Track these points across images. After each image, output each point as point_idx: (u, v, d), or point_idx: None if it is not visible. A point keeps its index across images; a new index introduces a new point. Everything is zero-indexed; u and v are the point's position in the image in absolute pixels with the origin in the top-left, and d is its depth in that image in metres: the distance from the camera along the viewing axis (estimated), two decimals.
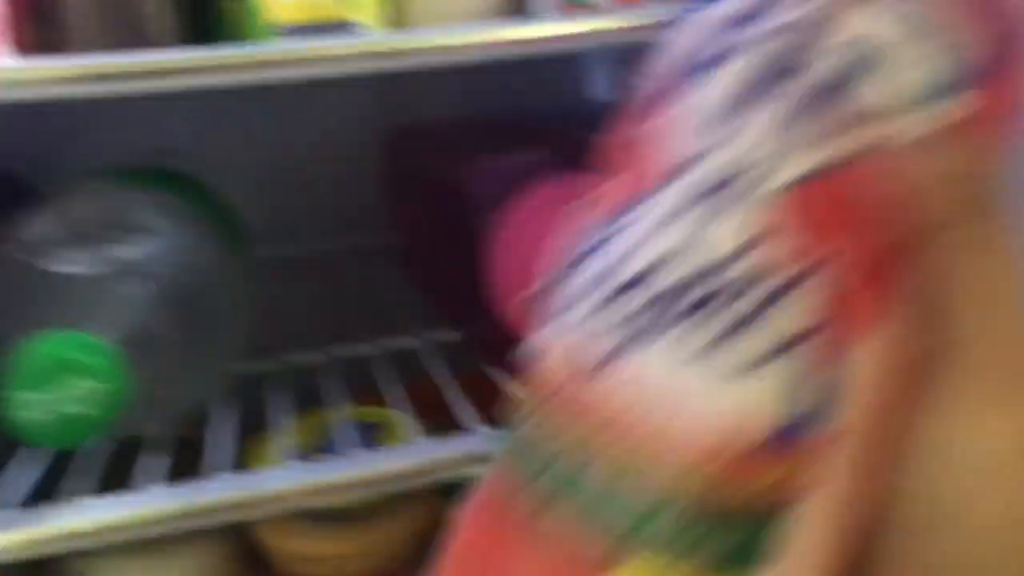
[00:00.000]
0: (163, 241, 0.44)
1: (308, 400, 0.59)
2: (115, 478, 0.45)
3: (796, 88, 0.21)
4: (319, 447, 0.54)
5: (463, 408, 0.49)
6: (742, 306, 0.20)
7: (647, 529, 0.18)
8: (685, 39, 0.24)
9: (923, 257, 0.21)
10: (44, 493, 0.45)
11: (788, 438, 0.19)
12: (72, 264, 0.42)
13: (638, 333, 0.21)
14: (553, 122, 0.64)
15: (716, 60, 0.22)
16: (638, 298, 0.21)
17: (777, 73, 0.21)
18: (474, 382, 0.52)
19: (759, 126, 0.21)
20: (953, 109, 0.20)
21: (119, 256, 0.42)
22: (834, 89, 0.21)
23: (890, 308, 0.21)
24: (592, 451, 0.20)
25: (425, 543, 0.56)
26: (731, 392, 0.19)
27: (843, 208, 0.21)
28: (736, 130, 0.21)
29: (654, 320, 0.21)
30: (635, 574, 0.18)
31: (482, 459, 0.44)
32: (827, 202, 0.21)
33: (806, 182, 0.21)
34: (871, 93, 0.20)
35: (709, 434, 0.19)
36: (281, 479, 0.43)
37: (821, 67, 0.21)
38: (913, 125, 0.20)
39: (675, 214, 0.21)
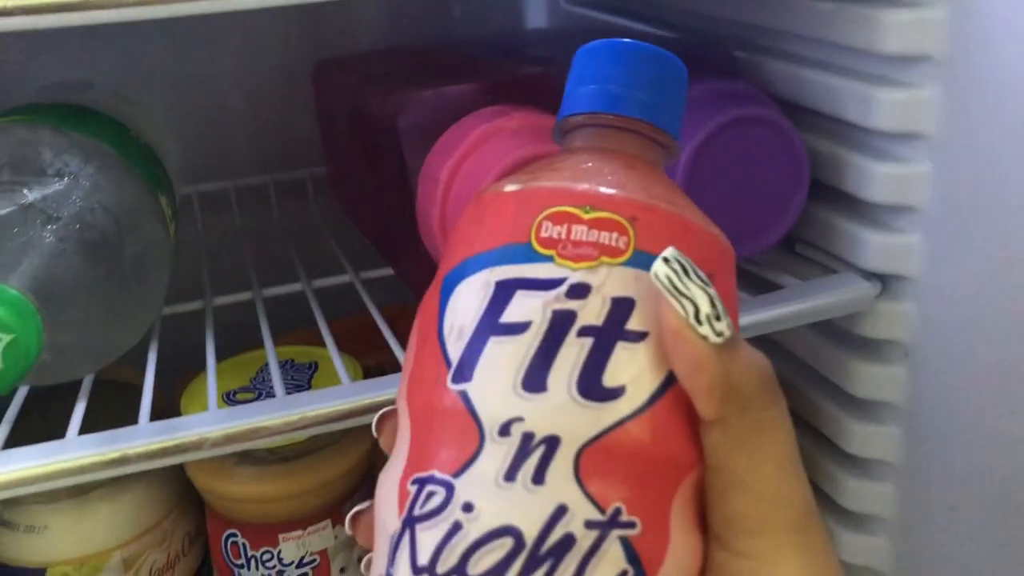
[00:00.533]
0: (75, 183, 0.42)
1: (239, 340, 0.58)
2: (36, 426, 0.44)
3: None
4: (251, 388, 0.53)
5: (392, 342, 0.49)
6: None
7: None
8: None
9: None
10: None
11: None
12: None
13: None
14: (486, 53, 0.63)
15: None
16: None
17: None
18: (409, 317, 0.51)
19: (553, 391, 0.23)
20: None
21: (26, 198, 0.40)
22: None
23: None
24: None
25: (358, 482, 0.56)
26: None
27: (619, 464, 0.23)
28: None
29: None
30: None
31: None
32: (605, 461, 0.22)
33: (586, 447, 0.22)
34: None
35: None
36: (210, 423, 0.42)
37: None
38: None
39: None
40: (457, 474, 0.22)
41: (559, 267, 0.23)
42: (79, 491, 0.53)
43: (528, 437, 0.22)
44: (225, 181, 0.75)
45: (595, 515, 0.22)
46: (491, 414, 0.23)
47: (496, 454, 0.22)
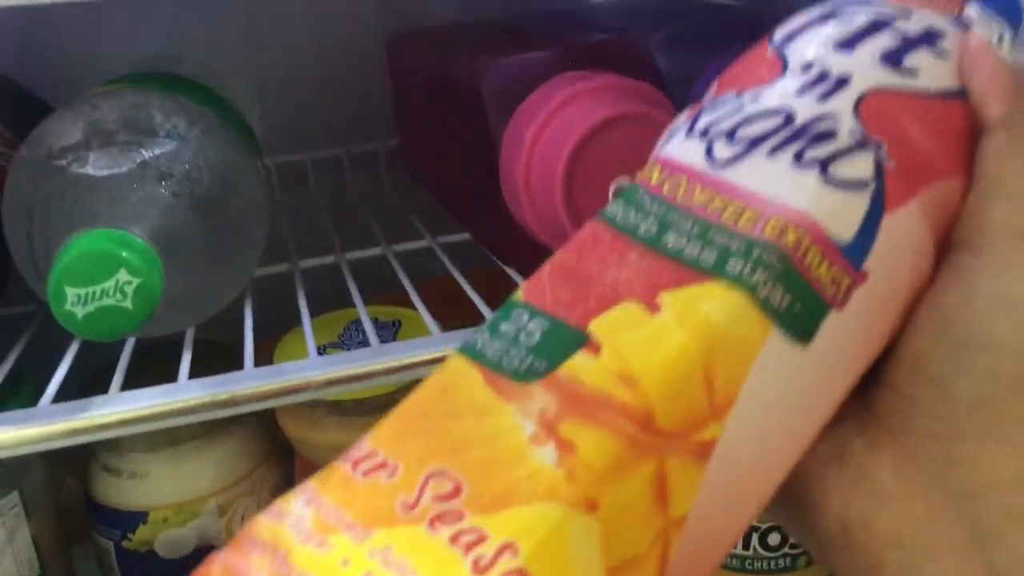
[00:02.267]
0: (184, 143, 0.45)
1: (323, 303, 0.61)
2: (144, 374, 0.47)
3: None
4: (340, 344, 0.55)
5: (479, 303, 0.51)
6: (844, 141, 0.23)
7: (732, 264, 0.21)
8: None
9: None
10: (79, 388, 0.47)
11: (846, 257, 0.22)
12: (99, 166, 0.42)
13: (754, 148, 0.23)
14: (560, 24, 0.65)
15: None
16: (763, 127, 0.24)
17: None
18: (488, 280, 0.53)
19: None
20: None
21: (143, 157, 0.43)
22: None
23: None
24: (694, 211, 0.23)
25: None
26: (821, 196, 0.22)
27: (890, 121, 0.24)
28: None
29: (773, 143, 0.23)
30: (720, 295, 0.21)
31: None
32: (881, 109, 0.24)
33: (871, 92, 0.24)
34: None
35: (796, 212, 0.22)
36: (312, 368, 0.44)
37: None
38: None
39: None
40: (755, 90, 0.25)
41: None
42: (176, 440, 0.57)
43: (824, 73, 0.24)
44: (301, 153, 0.78)
45: (858, 130, 0.23)
46: (800, 56, 0.25)
47: (794, 79, 0.24)
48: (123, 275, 0.38)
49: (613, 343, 0.20)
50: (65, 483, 0.63)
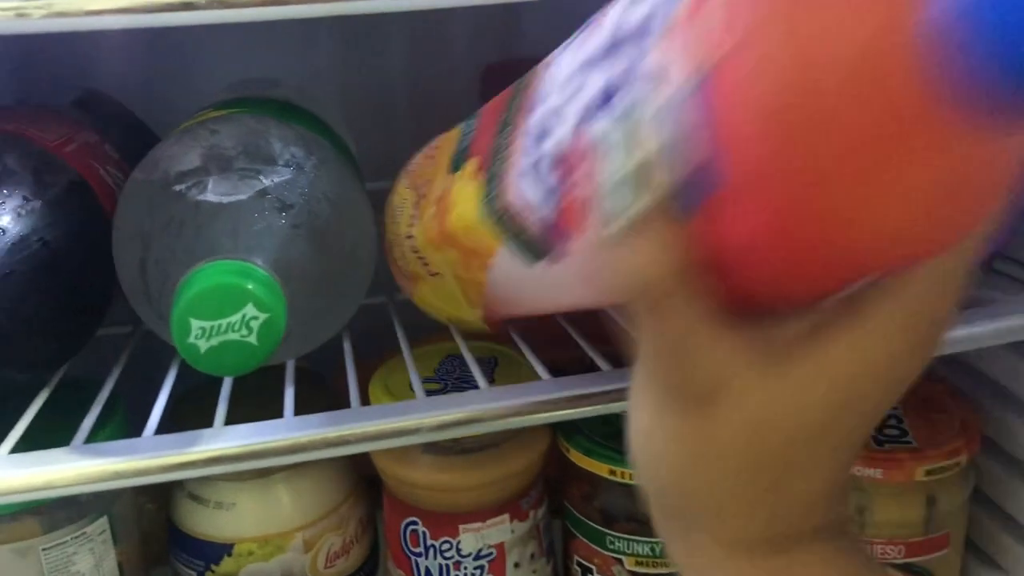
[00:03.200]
0: (302, 173, 0.44)
1: (416, 334, 0.59)
2: (239, 403, 0.46)
3: None
4: (436, 379, 0.54)
5: (584, 343, 0.49)
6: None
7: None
8: None
9: None
10: (170, 411, 0.46)
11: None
12: (220, 193, 0.42)
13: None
14: None
15: None
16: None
17: None
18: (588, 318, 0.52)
19: None
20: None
21: (263, 185, 0.42)
22: None
23: None
24: None
25: (535, 478, 0.56)
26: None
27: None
28: None
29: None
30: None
31: (606, 396, 0.44)
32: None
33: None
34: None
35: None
36: (415, 411, 0.43)
37: None
38: None
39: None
40: None
41: None
42: (264, 472, 0.55)
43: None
44: (389, 182, 0.77)
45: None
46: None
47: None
48: (250, 310, 0.37)
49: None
50: (145, 508, 0.62)
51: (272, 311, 0.37)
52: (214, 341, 0.37)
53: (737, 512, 0.25)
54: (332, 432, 0.42)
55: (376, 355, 0.57)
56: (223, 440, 0.41)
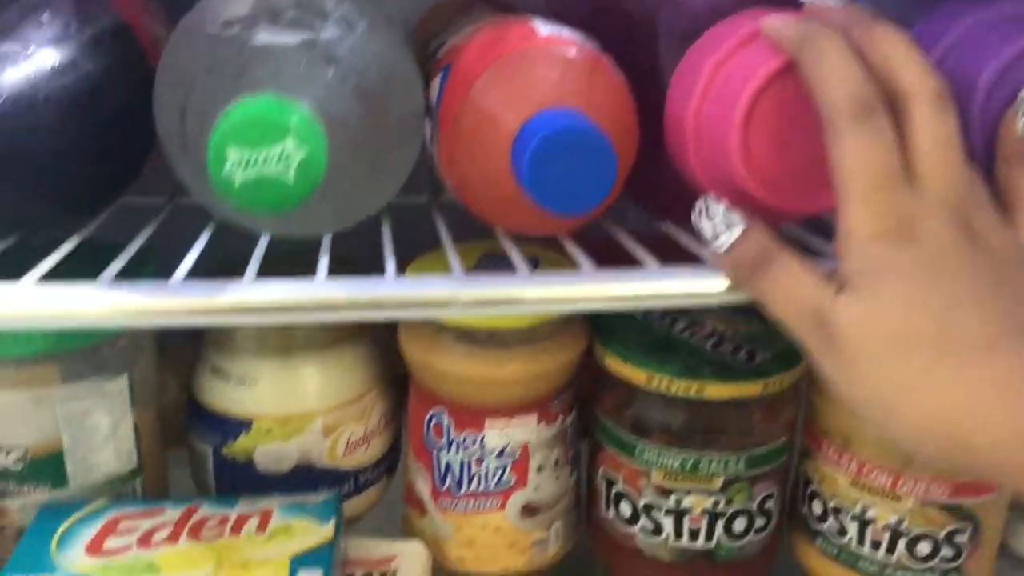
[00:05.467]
0: (352, 32, 0.42)
1: (462, 235, 0.57)
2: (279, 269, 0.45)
3: None
4: (476, 269, 0.52)
5: (639, 251, 0.47)
6: None
7: None
8: None
9: None
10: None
11: None
12: (266, 39, 0.40)
13: None
14: None
15: None
16: None
17: None
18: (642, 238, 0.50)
19: None
20: None
21: (313, 36, 0.40)
22: None
23: None
24: None
25: (567, 383, 0.55)
26: None
27: None
28: None
29: None
30: None
31: (649, 291, 0.42)
32: None
33: None
34: None
35: None
36: (458, 285, 0.41)
37: None
38: None
39: None
40: None
41: None
42: (289, 350, 0.54)
43: None
44: None
45: None
46: None
47: None
48: (289, 144, 0.35)
49: None
50: (166, 384, 0.61)
51: (311, 148, 0.35)
52: (250, 173, 0.35)
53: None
54: (364, 294, 0.40)
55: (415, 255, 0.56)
56: (253, 291, 0.40)
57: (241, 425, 0.54)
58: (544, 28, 0.46)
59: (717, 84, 0.41)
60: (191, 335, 0.59)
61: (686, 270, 0.43)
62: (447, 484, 0.54)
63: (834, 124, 0.35)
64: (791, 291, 0.37)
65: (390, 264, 0.44)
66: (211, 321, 0.40)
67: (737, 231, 0.40)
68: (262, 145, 0.35)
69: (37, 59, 0.40)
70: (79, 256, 0.45)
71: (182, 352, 0.60)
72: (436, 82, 0.48)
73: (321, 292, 0.40)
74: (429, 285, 0.41)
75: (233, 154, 0.35)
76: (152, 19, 0.51)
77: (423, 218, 0.58)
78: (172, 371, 0.62)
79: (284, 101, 0.36)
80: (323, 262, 0.44)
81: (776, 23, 0.39)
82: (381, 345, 0.59)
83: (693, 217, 0.41)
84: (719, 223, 0.40)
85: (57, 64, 0.40)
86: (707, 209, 0.41)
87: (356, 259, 0.57)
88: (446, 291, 0.41)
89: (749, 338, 0.54)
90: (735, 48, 0.41)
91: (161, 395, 0.59)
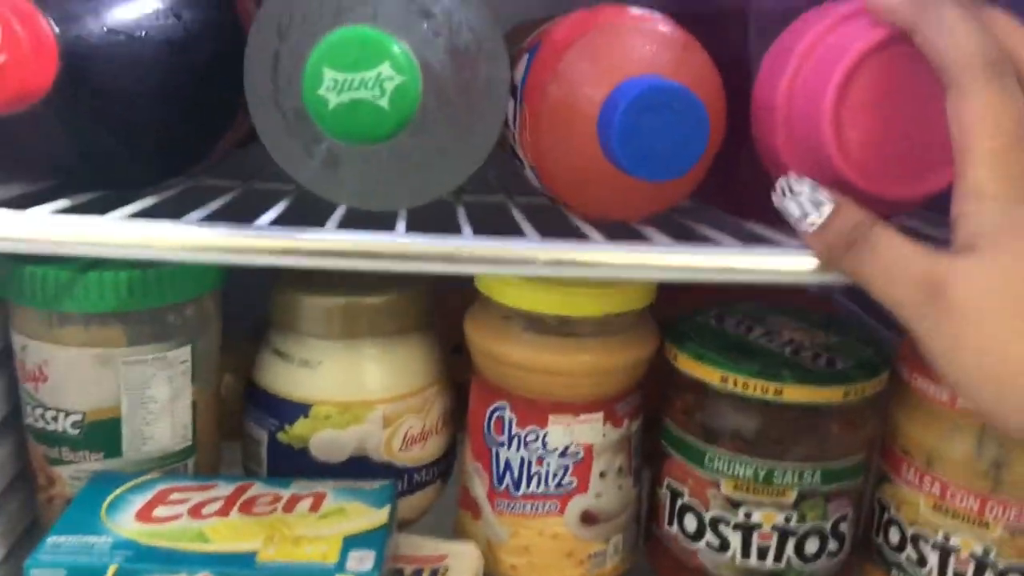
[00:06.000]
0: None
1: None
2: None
3: None
4: None
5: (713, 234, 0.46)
6: None
7: None
8: None
9: None
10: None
11: None
12: None
13: None
14: None
15: None
16: None
17: None
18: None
19: None
20: None
21: None
22: None
23: None
24: None
25: (637, 382, 0.53)
26: None
27: None
28: None
29: None
30: None
31: (737, 270, 0.41)
32: None
33: None
34: None
35: None
36: (539, 244, 0.40)
37: None
38: None
39: None
40: None
41: None
42: (355, 334, 0.53)
43: None
44: None
45: None
46: None
47: None
48: (386, 69, 0.35)
49: None
50: (224, 377, 0.60)
51: (408, 75, 0.35)
52: (345, 97, 0.35)
53: None
54: (442, 246, 0.40)
55: None
56: (335, 235, 0.40)
57: (299, 409, 0.53)
58: (635, 8, 0.46)
59: (811, 62, 0.40)
60: (253, 328, 0.59)
61: (770, 248, 0.42)
62: (505, 483, 0.52)
63: (960, 83, 0.34)
64: (895, 263, 0.36)
65: (466, 227, 0.44)
66: (293, 263, 0.39)
67: (827, 209, 0.39)
68: (359, 68, 0.35)
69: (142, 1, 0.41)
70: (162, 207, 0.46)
71: (242, 348, 0.60)
72: (522, 62, 0.48)
73: (400, 241, 0.40)
74: (509, 242, 0.41)
75: (329, 75, 0.35)
76: None
77: (497, 217, 0.57)
78: (231, 365, 0.61)
79: (381, 32, 0.36)
80: (402, 218, 0.44)
81: None
82: (449, 337, 0.58)
83: (775, 198, 0.40)
84: (806, 202, 0.39)
85: (160, 8, 0.41)
86: (790, 188, 0.40)
87: None
88: (525, 248, 0.40)
89: (828, 347, 0.52)
90: (832, 26, 0.41)
91: (219, 386, 0.58)
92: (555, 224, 0.49)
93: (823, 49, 0.41)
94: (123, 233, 0.38)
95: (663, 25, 0.43)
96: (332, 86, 0.35)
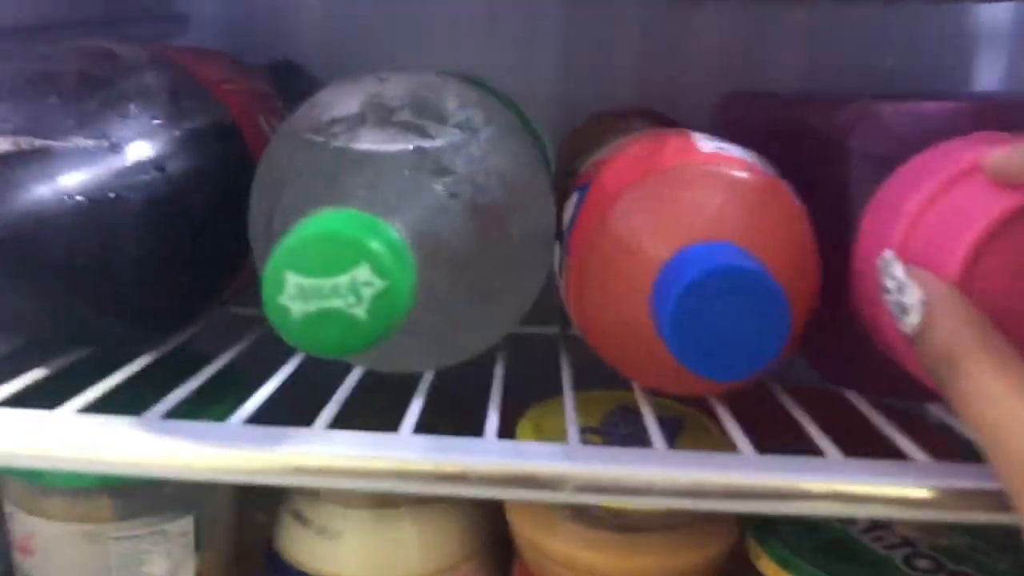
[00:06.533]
0: (475, 139, 0.35)
1: (583, 377, 0.49)
2: (359, 416, 0.37)
3: None
4: (601, 431, 0.43)
5: (803, 419, 0.37)
6: None
7: None
8: None
9: None
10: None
11: None
12: (367, 142, 0.33)
13: None
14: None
15: None
16: None
17: None
18: (823, 402, 0.39)
19: None
20: None
21: (423, 144, 0.34)
22: None
23: None
24: None
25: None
26: None
27: None
28: None
29: None
30: None
31: (845, 497, 0.31)
32: None
33: None
34: None
35: None
36: (572, 459, 0.32)
37: None
38: None
39: None
40: None
41: None
42: (381, 502, 0.46)
43: None
44: None
45: None
46: None
47: None
48: (363, 272, 0.27)
49: None
50: (256, 519, 0.54)
51: (393, 280, 0.27)
52: (311, 306, 0.28)
53: None
54: (450, 464, 0.32)
55: (537, 398, 0.47)
56: (317, 444, 0.32)
57: None
58: (706, 143, 0.37)
59: (927, 223, 0.32)
60: None
61: (884, 466, 0.32)
62: None
63: None
64: (982, 396, 0.27)
65: (492, 420, 0.36)
66: (264, 481, 0.32)
67: (916, 302, 0.30)
68: (328, 272, 0.27)
69: (114, 155, 0.35)
70: (155, 371, 0.40)
71: None
72: (571, 202, 0.40)
73: (398, 457, 0.32)
74: (535, 457, 0.33)
75: (292, 281, 0.28)
76: (272, 116, 0.47)
77: (553, 353, 0.49)
78: (261, 504, 0.55)
79: (367, 219, 0.29)
80: (414, 409, 0.37)
81: (1004, 157, 0.30)
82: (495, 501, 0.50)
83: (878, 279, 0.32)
84: (903, 293, 0.31)
85: (133, 162, 0.35)
86: (887, 268, 0.32)
87: (465, 399, 0.49)
88: (555, 467, 0.32)
89: (953, 553, 0.42)
90: (953, 180, 0.32)
91: (246, 530, 0.52)
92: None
93: (946, 205, 0.32)
94: (60, 443, 0.32)
95: (740, 169, 0.35)
96: (296, 294, 0.28)
